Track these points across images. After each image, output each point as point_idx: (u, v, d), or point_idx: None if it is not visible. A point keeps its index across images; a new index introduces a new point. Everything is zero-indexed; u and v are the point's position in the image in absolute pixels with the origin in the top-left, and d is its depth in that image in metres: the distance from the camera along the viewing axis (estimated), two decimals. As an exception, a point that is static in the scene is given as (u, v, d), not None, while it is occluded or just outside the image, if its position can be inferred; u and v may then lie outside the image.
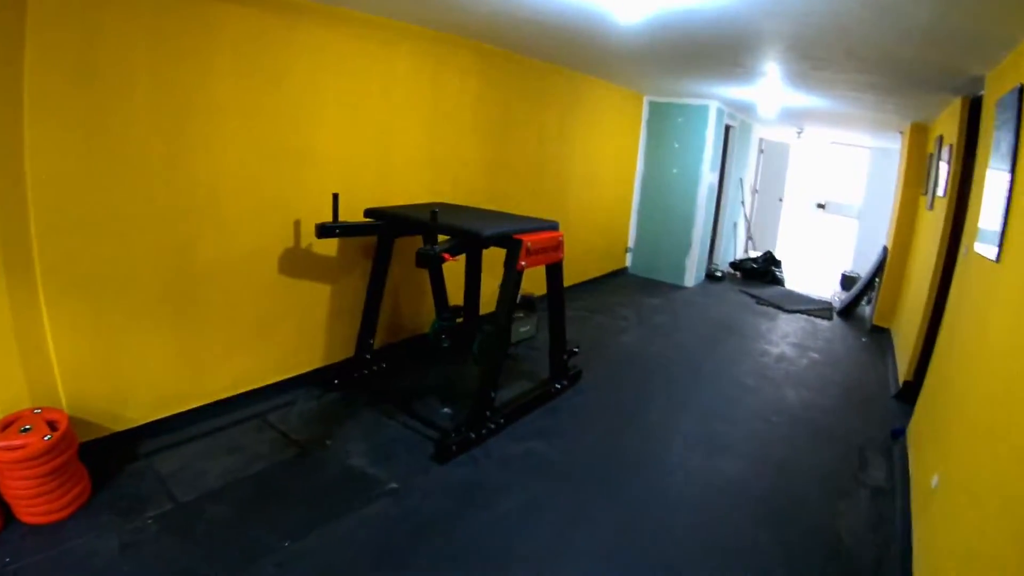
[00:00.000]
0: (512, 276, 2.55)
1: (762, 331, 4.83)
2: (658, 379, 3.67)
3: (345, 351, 3.22)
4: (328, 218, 2.86)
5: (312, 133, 2.84)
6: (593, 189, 5.32)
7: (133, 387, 2.43)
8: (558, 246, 2.81)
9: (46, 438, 2.02)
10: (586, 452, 2.73)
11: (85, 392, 2.29)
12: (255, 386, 2.90)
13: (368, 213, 2.94)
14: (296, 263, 2.94)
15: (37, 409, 2.15)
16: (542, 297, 4.88)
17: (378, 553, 2.01)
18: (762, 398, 3.51)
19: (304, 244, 2.94)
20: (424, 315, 3.67)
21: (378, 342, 3.39)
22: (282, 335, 2.93)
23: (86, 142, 2.12)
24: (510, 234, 2.57)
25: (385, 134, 3.20)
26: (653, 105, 5.75)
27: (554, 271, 2.92)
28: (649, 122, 5.80)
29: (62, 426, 2.07)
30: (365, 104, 3.06)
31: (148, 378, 2.46)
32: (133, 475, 2.31)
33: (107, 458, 2.35)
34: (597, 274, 5.71)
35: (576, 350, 3.38)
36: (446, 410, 2.97)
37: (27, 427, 2.06)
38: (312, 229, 2.81)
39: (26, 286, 2.07)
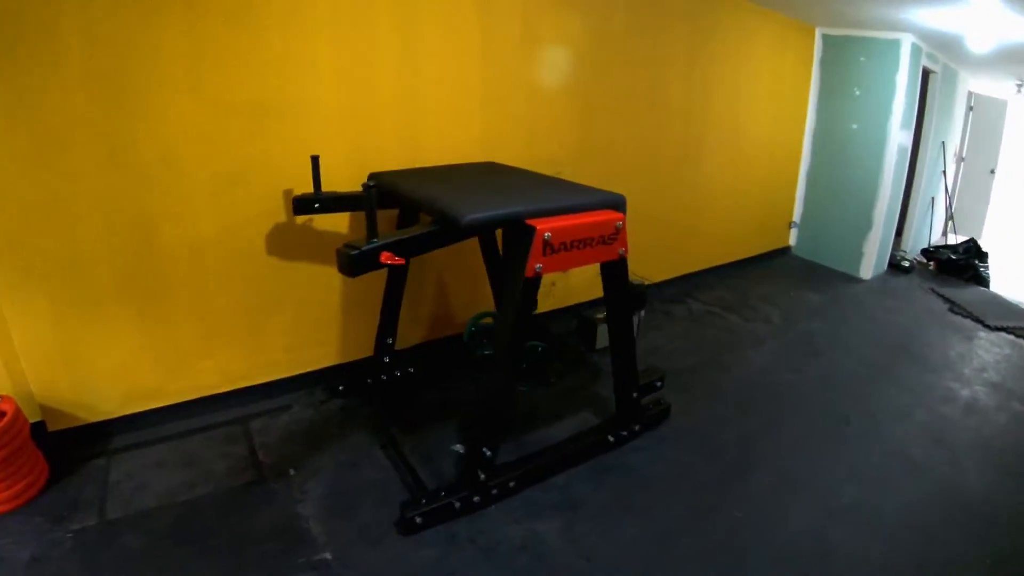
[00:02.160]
0: (519, 285, 1.46)
1: (951, 358, 3.22)
2: (779, 433, 2.48)
3: (368, 348, 2.60)
4: (332, 185, 2.21)
5: (299, 78, 2.20)
6: (741, 147, 3.96)
7: (101, 379, 2.14)
8: (615, 235, 1.84)
9: (-22, 433, 1.77)
10: (615, 556, 1.81)
11: (54, 381, 2.07)
12: (246, 384, 2.42)
13: (372, 179, 2.20)
14: (290, 242, 2.36)
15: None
16: (661, 286, 3.59)
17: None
18: (928, 485, 2.22)
19: (300, 219, 2.35)
20: (480, 306, 2.89)
21: (413, 339, 2.77)
22: (277, 327, 2.42)
23: (8, 119, 1.78)
24: (518, 217, 1.47)
25: (410, 73, 2.43)
26: (828, 40, 4.05)
27: (612, 274, 1.93)
28: (823, 62, 4.15)
29: (6, 418, 1.86)
30: (375, 34, 2.31)
31: (115, 370, 2.15)
32: (86, 475, 2.04)
33: (76, 449, 2.12)
34: (747, 254, 4.35)
35: (659, 383, 2.20)
36: (458, 447, 2.22)
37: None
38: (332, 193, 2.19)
39: None
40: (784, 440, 2.37)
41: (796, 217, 4.55)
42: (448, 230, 1.60)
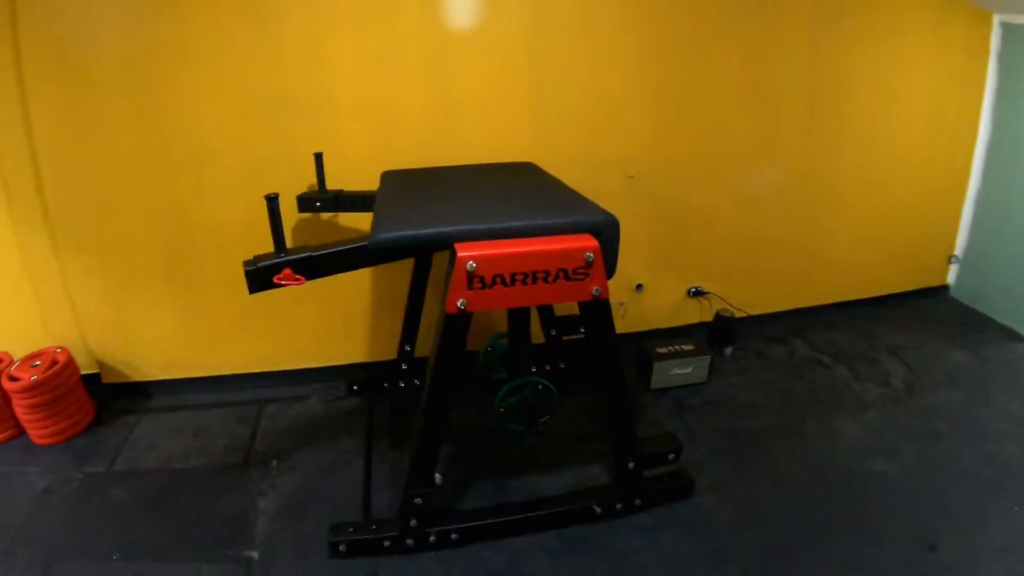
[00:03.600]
0: (441, 322, 1.17)
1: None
2: (830, 547, 1.80)
3: (395, 350, 2.51)
4: (352, 181, 2.14)
5: (321, 71, 2.15)
6: (885, 155, 2.99)
7: (144, 345, 2.38)
8: (584, 268, 1.44)
9: (32, 378, 2.10)
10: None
11: (107, 341, 2.35)
12: (273, 368, 2.49)
13: (383, 178, 2.04)
14: (312, 236, 2.32)
15: (58, 349, 2.25)
16: (765, 320, 2.99)
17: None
18: None
19: (326, 215, 2.30)
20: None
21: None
22: (303, 318, 2.44)
23: (67, 121, 2.03)
24: (444, 239, 1.22)
25: (442, 62, 2.23)
26: (1009, 30, 2.84)
27: (593, 316, 1.54)
28: (1002, 57, 2.89)
29: (54, 368, 2.15)
30: (402, 22, 2.15)
31: (156, 340, 2.37)
32: (117, 427, 2.28)
33: (120, 402, 2.38)
34: (887, 290, 3.29)
35: (672, 456, 1.73)
36: (436, 476, 1.87)
37: (37, 363, 2.17)
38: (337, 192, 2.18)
39: (39, 252, 2.15)
40: (831, 560, 1.72)
41: (958, 250, 3.34)
42: (364, 249, 1.33)
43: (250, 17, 2.03)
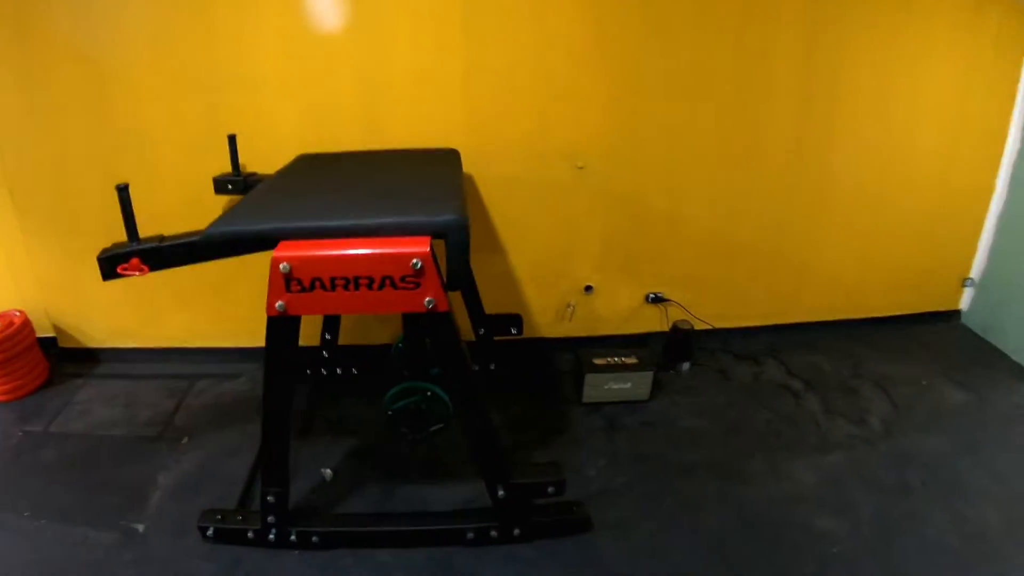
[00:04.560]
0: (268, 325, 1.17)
1: None
2: None
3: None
4: (281, 163, 2.10)
5: (249, 52, 2.15)
6: (892, 162, 2.64)
7: (93, 312, 2.52)
8: (414, 276, 1.30)
9: (-14, 338, 2.39)
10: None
11: (62, 307, 2.51)
12: (211, 344, 2.57)
13: (296, 161, 2.05)
14: None
15: (16, 312, 2.41)
16: (737, 334, 2.82)
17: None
18: None
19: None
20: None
21: (382, 338, 2.56)
22: (238, 297, 2.48)
23: (25, 93, 2.15)
24: (268, 237, 1.22)
25: (373, 41, 2.16)
26: None
27: (432, 330, 1.44)
28: None
29: (9, 330, 2.28)
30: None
31: (104, 307, 2.51)
32: (63, 389, 2.43)
33: (71, 366, 2.53)
34: (886, 312, 2.93)
35: (551, 488, 1.69)
36: (326, 472, 1.98)
37: (-7, 326, 2.49)
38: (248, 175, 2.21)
39: (6, 221, 2.32)
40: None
41: (974, 272, 2.91)
42: (196, 244, 1.30)
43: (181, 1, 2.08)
